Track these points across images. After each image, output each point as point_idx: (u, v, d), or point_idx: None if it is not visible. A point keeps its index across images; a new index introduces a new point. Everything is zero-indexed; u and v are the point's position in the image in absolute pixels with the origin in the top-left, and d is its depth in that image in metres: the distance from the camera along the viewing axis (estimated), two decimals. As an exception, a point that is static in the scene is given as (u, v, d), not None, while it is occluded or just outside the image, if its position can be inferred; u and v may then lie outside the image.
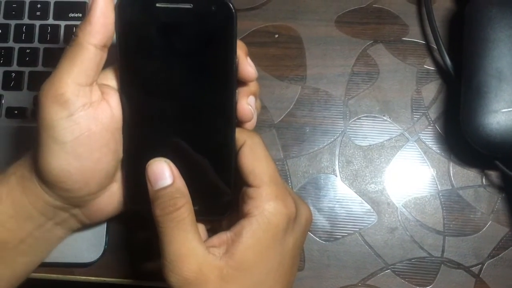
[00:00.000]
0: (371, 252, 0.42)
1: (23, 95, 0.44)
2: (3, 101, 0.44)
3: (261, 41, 0.47)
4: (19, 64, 0.45)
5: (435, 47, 0.45)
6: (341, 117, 0.45)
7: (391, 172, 0.44)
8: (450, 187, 0.43)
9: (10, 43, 0.45)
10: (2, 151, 0.43)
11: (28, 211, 0.33)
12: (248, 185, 0.31)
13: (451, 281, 0.42)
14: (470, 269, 0.42)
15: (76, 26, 0.41)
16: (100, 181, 0.32)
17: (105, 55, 0.31)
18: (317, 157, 0.44)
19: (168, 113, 0.32)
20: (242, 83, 0.33)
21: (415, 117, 0.45)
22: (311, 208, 0.43)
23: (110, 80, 0.32)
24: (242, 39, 0.46)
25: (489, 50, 0.40)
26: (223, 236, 0.31)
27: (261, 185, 0.31)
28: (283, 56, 0.46)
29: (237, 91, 0.32)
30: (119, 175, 0.34)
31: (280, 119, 0.45)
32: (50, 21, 0.45)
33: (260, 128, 0.45)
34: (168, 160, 0.31)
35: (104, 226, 0.41)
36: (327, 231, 0.43)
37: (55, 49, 0.44)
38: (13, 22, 0.45)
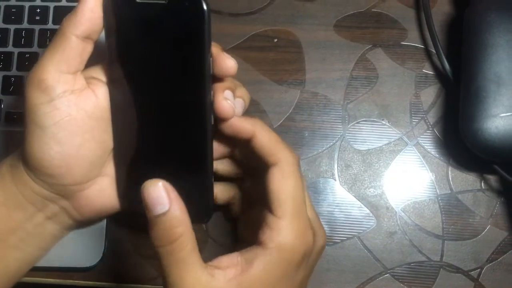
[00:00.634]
0: (370, 256, 0.42)
1: (23, 100, 0.44)
2: (2, 105, 0.44)
3: (260, 45, 0.47)
4: (18, 69, 0.45)
5: (433, 51, 0.45)
6: (340, 121, 0.45)
7: (390, 176, 0.44)
8: (449, 191, 0.44)
9: (10, 48, 0.45)
10: (1, 155, 0.43)
11: (18, 200, 0.33)
12: (270, 211, 0.30)
13: (450, 285, 0.42)
14: (469, 273, 0.42)
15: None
16: (84, 169, 0.33)
17: (89, 46, 0.31)
18: (316, 161, 0.44)
19: (147, 111, 0.32)
20: (219, 79, 0.32)
21: (414, 122, 0.45)
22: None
23: (100, 74, 0.33)
24: (241, 44, 0.46)
25: (487, 55, 0.40)
26: (233, 259, 0.30)
27: (283, 216, 0.30)
28: (282, 60, 0.46)
29: (211, 89, 0.31)
30: (108, 169, 0.34)
31: (279, 124, 0.45)
32: (50, 25, 0.45)
33: (259, 132, 0.45)
34: (164, 183, 0.29)
35: (103, 230, 0.41)
36: (326, 235, 0.43)
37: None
38: (12, 27, 0.45)
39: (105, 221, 0.41)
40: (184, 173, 0.32)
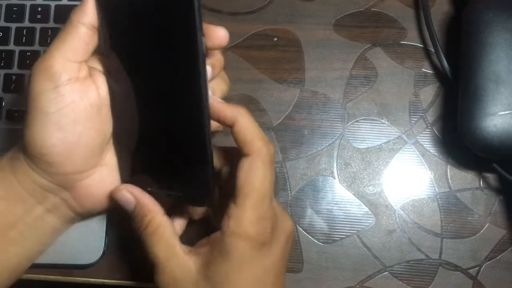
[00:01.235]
0: (369, 254, 0.43)
1: (24, 98, 0.44)
2: (3, 103, 0.44)
3: (260, 44, 0.47)
4: (19, 67, 0.45)
5: (433, 50, 0.45)
6: (339, 120, 0.45)
7: (389, 175, 0.44)
8: (448, 190, 0.44)
9: (11, 46, 0.45)
10: (2, 153, 0.43)
11: (18, 192, 0.34)
12: (233, 200, 0.32)
13: (449, 283, 0.42)
14: (468, 271, 0.42)
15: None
16: (84, 157, 0.33)
17: (95, 37, 0.32)
18: (316, 160, 0.45)
19: (144, 96, 0.33)
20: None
21: (413, 120, 0.45)
22: (310, 210, 0.43)
23: (98, 64, 0.34)
24: (241, 43, 0.47)
25: (486, 54, 0.40)
26: (203, 241, 0.34)
27: (241, 206, 0.31)
28: (282, 59, 0.47)
29: (207, 74, 0.31)
30: (107, 159, 0.35)
31: (278, 122, 0.45)
32: (51, 24, 0.45)
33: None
34: (127, 186, 0.34)
35: (104, 227, 0.41)
36: (325, 233, 0.43)
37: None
38: (14, 25, 0.46)
39: (105, 218, 0.41)
40: (183, 156, 0.32)
